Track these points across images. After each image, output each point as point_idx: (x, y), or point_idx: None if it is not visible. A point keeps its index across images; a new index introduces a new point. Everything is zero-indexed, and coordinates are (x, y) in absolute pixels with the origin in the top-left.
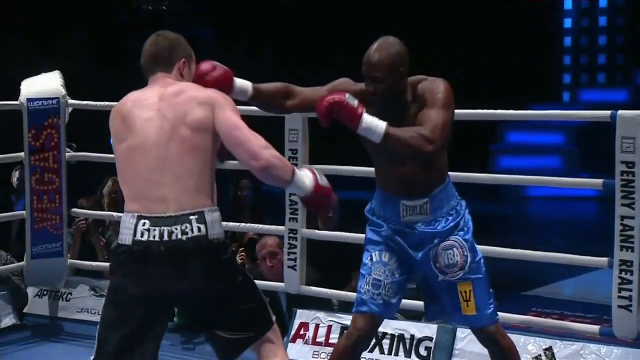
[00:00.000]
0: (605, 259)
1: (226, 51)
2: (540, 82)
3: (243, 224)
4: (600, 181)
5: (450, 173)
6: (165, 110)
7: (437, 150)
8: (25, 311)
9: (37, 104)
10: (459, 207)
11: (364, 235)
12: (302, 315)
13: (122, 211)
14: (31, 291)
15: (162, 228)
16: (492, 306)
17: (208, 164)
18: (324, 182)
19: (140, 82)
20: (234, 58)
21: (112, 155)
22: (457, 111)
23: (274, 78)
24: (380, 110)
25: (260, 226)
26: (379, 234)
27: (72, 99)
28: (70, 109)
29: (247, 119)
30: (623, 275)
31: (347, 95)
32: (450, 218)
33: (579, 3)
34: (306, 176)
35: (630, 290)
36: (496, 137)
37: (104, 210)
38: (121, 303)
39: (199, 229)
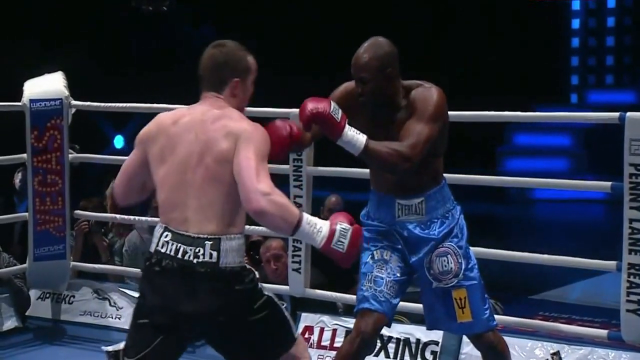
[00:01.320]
0: (613, 262)
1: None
2: (548, 83)
3: (247, 226)
4: (608, 183)
5: (456, 175)
6: (200, 135)
7: (412, 168)
8: (27, 314)
9: (40, 104)
10: (454, 211)
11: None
12: (307, 319)
13: (123, 213)
14: (33, 293)
15: (179, 245)
16: (487, 312)
17: (231, 194)
18: (342, 243)
19: (142, 83)
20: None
21: (115, 157)
22: (463, 113)
23: (275, 78)
24: (371, 112)
25: (264, 228)
26: (378, 232)
27: (75, 99)
28: (73, 110)
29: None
30: (631, 278)
31: (332, 106)
32: (446, 222)
33: (587, 4)
34: (317, 232)
35: (639, 294)
36: (503, 138)
37: (106, 212)
38: (142, 309)
39: (211, 255)
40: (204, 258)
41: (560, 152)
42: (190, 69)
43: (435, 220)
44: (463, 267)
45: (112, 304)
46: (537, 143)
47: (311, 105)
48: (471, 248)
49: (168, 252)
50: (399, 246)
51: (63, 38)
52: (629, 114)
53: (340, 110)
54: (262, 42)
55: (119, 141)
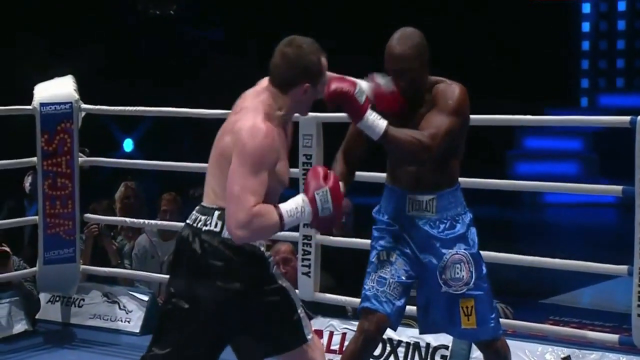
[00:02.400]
0: (624, 267)
1: (236, 53)
2: (558, 86)
3: None
4: (619, 187)
5: (467, 179)
6: (228, 119)
7: (431, 158)
8: (37, 317)
9: (50, 108)
10: (465, 217)
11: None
12: (316, 323)
13: (133, 216)
14: (43, 297)
15: (197, 214)
16: (493, 321)
17: None
18: (328, 207)
19: (152, 87)
20: (244, 60)
21: (125, 160)
22: (474, 116)
23: None
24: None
25: None
26: (388, 232)
27: (85, 103)
28: (83, 114)
29: None
30: None
31: (358, 88)
32: (456, 225)
33: (597, 6)
34: (302, 214)
35: None
36: (513, 142)
37: (115, 215)
38: (171, 284)
39: (216, 224)
40: (209, 227)
41: (571, 156)
42: (199, 71)
43: (445, 221)
44: (474, 276)
45: (122, 307)
46: (547, 147)
47: (336, 84)
48: (481, 252)
49: (190, 222)
50: (407, 250)
51: (73, 42)
52: (639, 117)
53: (365, 94)
54: (272, 44)
55: (128, 144)
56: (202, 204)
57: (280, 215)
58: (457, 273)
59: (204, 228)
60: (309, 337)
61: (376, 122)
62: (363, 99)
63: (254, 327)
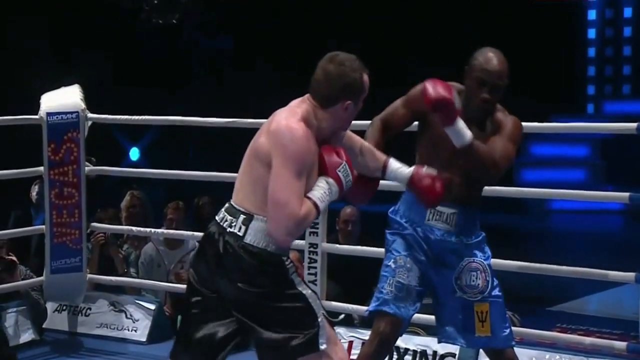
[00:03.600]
0: (632, 274)
1: (245, 61)
2: (564, 93)
3: None
4: (626, 194)
5: None
6: (265, 124)
7: (496, 177)
8: (44, 326)
9: (57, 117)
10: (479, 234)
11: (384, 249)
12: None
13: (139, 225)
14: (50, 306)
15: (225, 213)
16: (507, 330)
17: (258, 184)
18: (349, 178)
19: (159, 96)
20: (254, 68)
21: (131, 169)
22: None
23: (294, 87)
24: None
25: None
26: (403, 236)
27: (91, 112)
28: (90, 123)
29: None
30: None
31: (454, 95)
32: (473, 236)
33: (603, 13)
34: (331, 193)
35: None
36: (519, 149)
37: (121, 224)
38: (193, 277)
39: (240, 228)
40: (233, 229)
41: (577, 163)
42: (207, 80)
43: (461, 237)
44: (489, 285)
45: (129, 316)
46: (554, 153)
47: (439, 89)
48: (489, 255)
49: (218, 219)
50: (423, 257)
51: (79, 51)
52: None
53: (456, 101)
54: (281, 51)
55: (134, 153)
56: (232, 202)
57: (316, 205)
58: (473, 280)
59: (229, 229)
60: (322, 347)
61: (465, 130)
62: (458, 104)
63: (268, 330)
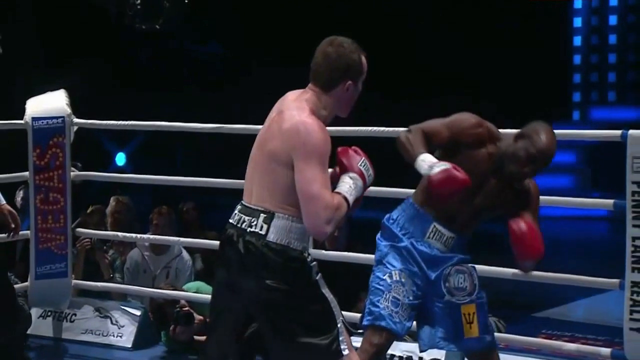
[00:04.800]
0: (616, 280)
1: (237, 65)
2: (550, 100)
3: None
4: (610, 201)
5: None
6: (270, 122)
7: None
8: (28, 332)
9: (42, 122)
10: (466, 256)
11: (372, 256)
12: None
13: (125, 230)
14: (35, 312)
15: (242, 215)
16: (492, 332)
17: (287, 184)
18: (370, 172)
19: (147, 101)
20: (247, 72)
21: (117, 175)
22: None
23: (286, 91)
24: (490, 169)
25: None
26: (398, 249)
27: (77, 117)
28: (75, 128)
29: None
30: (634, 297)
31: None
32: (461, 257)
33: (589, 20)
34: (357, 188)
35: None
36: None
37: (107, 229)
38: (213, 284)
39: (262, 227)
40: (255, 229)
41: (563, 169)
42: (197, 85)
43: (454, 258)
44: (476, 289)
45: (114, 322)
46: None
47: (460, 179)
48: (475, 266)
49: (233, 222)
50: (415, 268)
51: (66, 56)
52: (631, 131)
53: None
54: (265, 57)
55: (121, 159)
56: (244, 203)
57: (345, 198)
58: (461, 283)
59: (249, 229)
60: (345, 352)
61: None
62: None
63: (290, 332)
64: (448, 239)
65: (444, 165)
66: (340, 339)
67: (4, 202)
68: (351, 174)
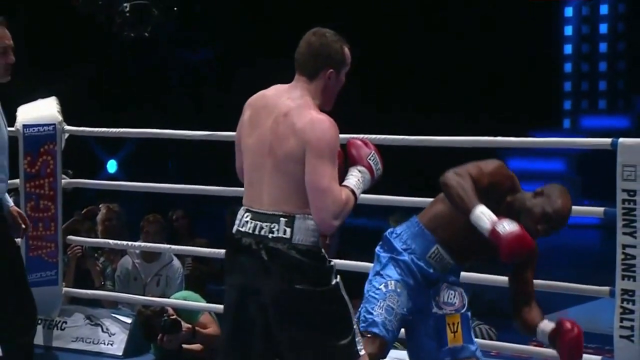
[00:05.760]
0: (606, 288)
1: (228, 72)
2: (541, 108)
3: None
4: (601, 209)
5: None
6: (275, 125)
7: None
8: None
9: (33, 130)
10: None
11: (363, 263)
12: None
13: (115, 238)
14: None
15: (256, 222)
16: (475, 345)
17: (300, 184)
18: (378, 166)
19: (138, 109)
20: (232, 81)
21: (108, 182)
22: (458, 138)
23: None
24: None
25: None
26: (397, 261)
27: (68, 124)
28: (66, 135)
29: None
30: (625, 304)
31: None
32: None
33: (579, 29)
34: (364, 181)
35: (632, 320)
36: None
37: (97, 237)
38: (228, 292)
39: (285, 231)
40: (278, 234)
41: (554, 177)
42: (188, 92)
43: (447, 275)
44: (465, 307)
45: (105, 330)
46: (530, 168)
47: (529, 242)
48: (466, 273)
49: (247, 230)
50: (412, 282)
51: (57, 63)
52: (620, 139)
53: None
54: (255, 62)
55: (112, 166)
56: (255, 210)
57: (353, 192)
58: (450, 298)
59: (270, 235)
60: (361, 352)
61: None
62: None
63: (317, 333)
64: (447, 264)
65: (513, 226)
66: (357, 339)
67: (12, 204)
68: (360, 167)
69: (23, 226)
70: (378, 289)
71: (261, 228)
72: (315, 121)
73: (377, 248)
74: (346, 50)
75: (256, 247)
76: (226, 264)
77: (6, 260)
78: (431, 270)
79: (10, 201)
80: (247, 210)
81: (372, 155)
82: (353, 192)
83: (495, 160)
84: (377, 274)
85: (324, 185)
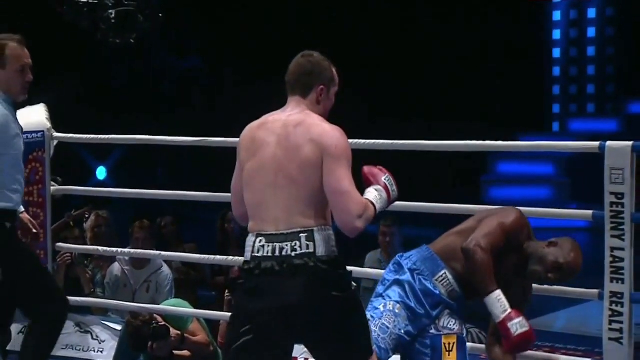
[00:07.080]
0: (595, 291)
1: (217, 79)
2: (530, 111)
3: (230, 257)
4: (589, 212)
5: (441, 204)
6: (283, 138)
7: None
8: (8, 348)
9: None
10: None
11: (358, 269)
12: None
13: (105, 245)
14: (15, 328)
15: (275, 244)
16: None
17: (317, 193)
18: (394, 188)
19: (126, 115)
20: (226, 85)
21: (98, 189)
22: (447, 142)
23: (265, 103)
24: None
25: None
26: (400, 282)
27: (57, 131)
28: (55, 142)
29: None
30: (613, 307)
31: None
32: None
33: (567, 33)
34: (382, 200)
35: (621, 322)
36: (486, 167)
37: (86, 244)
38: (241, 318)
39: (307, 246)
40: (301, 250)
41: (543, 181)
42: (175, 99)
43: (452, 303)
44: (464, 332)
45: (95, 337)
46: (520, 171)
47: (533, 341)
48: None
49: (265, 254)
50: (412, 304)
51: (45, 70)
52: (608, 143)
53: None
54: (243, 68)
55: (101, 172)
56: (269, 233)
57: (373, 204)
58: (451, 324)
59: (294, 253)
60: (374, 349)
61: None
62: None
63: (344, 338)
64: (453, 290)
65: (524, 327)
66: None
67: (23, 210)
68: (376, 187)
69: (34, 231)
70: (377, 308)
71: (282, 249)
72: (328, 129)
73: (384, 272)
74: (334, 69)
75: (279, 267)
76: (239, 294)
77: (27, 252)
78: (437, 292)
79: (22, 207)
80: (259, 235)
81: (388, 178)
82: (372, 202)
83: (513, 210)
84: (379, 295)
85: (345, 188)
